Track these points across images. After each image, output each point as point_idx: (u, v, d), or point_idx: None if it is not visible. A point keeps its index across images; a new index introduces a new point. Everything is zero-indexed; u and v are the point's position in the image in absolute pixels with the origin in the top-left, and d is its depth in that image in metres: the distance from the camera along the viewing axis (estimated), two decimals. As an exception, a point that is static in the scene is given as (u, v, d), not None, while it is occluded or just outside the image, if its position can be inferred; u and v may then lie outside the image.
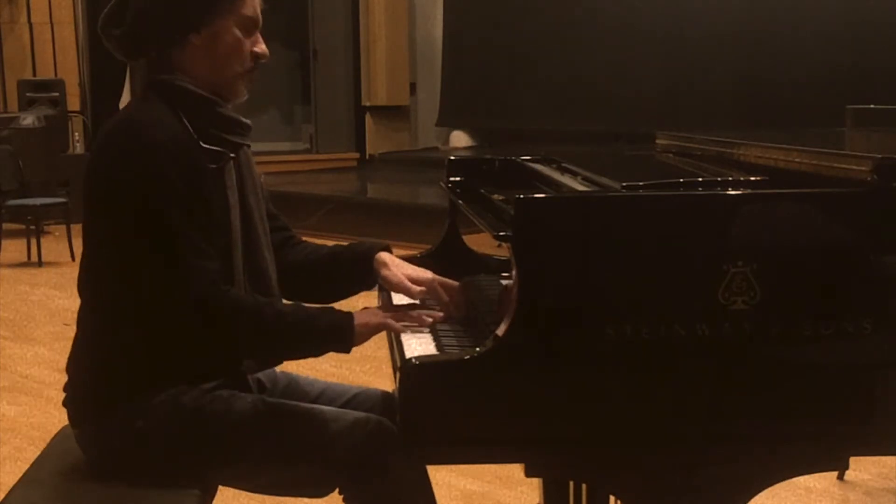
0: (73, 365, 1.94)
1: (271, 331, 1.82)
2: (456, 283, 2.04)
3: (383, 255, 2.08)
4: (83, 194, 1.89)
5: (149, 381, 1.85)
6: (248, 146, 2.00)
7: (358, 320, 1.85)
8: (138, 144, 1.80)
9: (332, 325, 1.85)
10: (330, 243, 2.19)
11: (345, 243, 2.17)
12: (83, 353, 1.93)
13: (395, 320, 1.90)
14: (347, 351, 1.85)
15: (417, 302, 2.02)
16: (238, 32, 1.89)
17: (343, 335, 1.84)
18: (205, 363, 1.89)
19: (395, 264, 2.07)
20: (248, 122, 1.98)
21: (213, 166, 1.87)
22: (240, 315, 1.81)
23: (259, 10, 1.93)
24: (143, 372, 1.85)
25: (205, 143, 1.86)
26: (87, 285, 1.93)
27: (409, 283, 2.02)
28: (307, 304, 1.92)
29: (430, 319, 1.92)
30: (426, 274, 2.04)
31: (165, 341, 1.84)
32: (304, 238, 2.20)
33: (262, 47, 1.93)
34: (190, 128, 1.85)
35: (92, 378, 1.90)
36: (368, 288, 2.12)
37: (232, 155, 1.93)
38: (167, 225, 1.77)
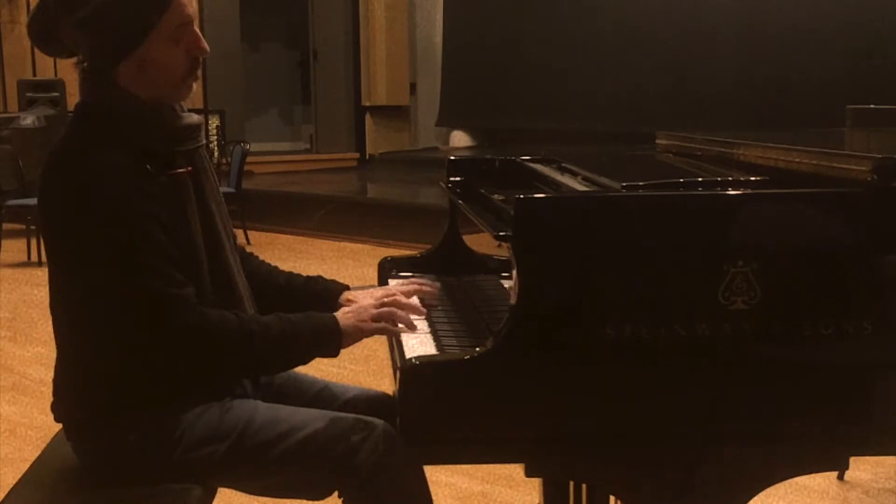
0: (57, 384, 1.92)
1: (259, 348, 1.80)
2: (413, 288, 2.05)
3: (347, 295, 2.08)
4: (40, 223, 1.84)
5: (138, 395, 1.83)
6: (204, 145, 1.94)
7: (344, 322, 1.84)
8: (86, 183, 1.73)
9: (319, 330, 1.83)
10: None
11: (302, 275, 2.16)
12: (64, 373, 1.90)
13: (384, 318, 1.88)
14: (335, 355, 1.85)
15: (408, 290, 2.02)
16: (168, 47, 1.80)
17: (331, 339, 1.83)
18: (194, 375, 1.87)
19: (358, 298, 2.05)
20: (197, 121, 1.92)
21: (167, 182, 1.81)
22: (227, 337, 1.77)
23: (189, 9, 1.81)
24: (131, 386, 1.83)
25: (154, 163, 1.79)
26: (59, 306, 1.88)
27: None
28: (286, 314, 1.85)
29: (420, 316, 1.93)
30: (387, 291, 2.03)
31: (147, 357, 1.80)
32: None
33: (199, 45, 1.83)
34: (137, 149, 1.78)
35: (77, 397, 1.88)
36: None
37: (188, 168, 1.86)
38: (135, 262, 1.72)
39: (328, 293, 2.09)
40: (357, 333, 1.86)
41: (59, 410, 1.92)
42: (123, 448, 1.83)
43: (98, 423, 1.85)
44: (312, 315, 1.86)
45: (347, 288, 2.12)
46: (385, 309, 1.91)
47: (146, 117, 1.82)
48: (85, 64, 1.84)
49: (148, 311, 1.73)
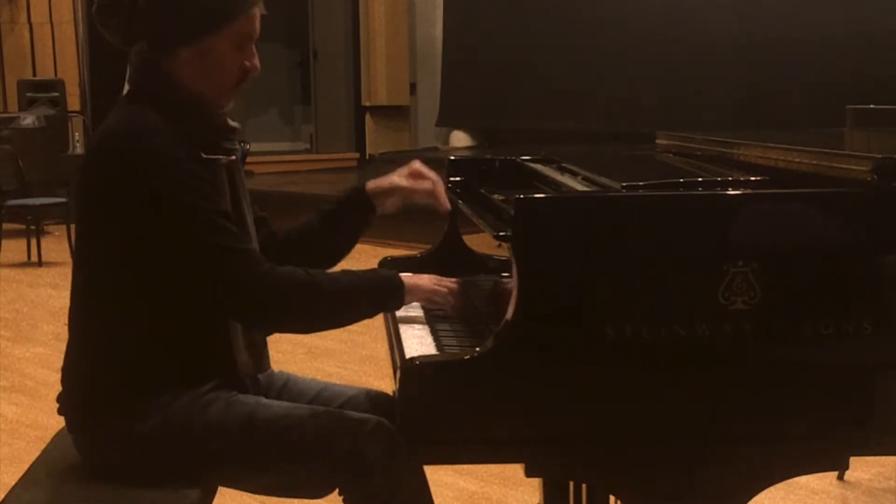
0: (67, 372, 1.93)
1: (329, 296, 1.84)
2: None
3: (370, 182, 2.15)
4: (81, 203, 1.86)
5: (144, 386, 1.85)
6: (238, 148, 1.97)
7: (406, 280, 1.93)
8: (146, 149, 1.77)
9: (385, 284, 1.92)
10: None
11: (315, 215, 2.18)
12: (77, 360, 1.91)
13: (439, 295, 2.00)
14: (400, 306, 1.96)
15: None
16: (230, 49, 1.85)
17: (394, 292, 1.91)
18: (201, 365, 1.88)
19: (379, 180, 2.16)
20: (236, 126, 1.97)
21: (207, 168, 1.84)
22: (298, 286, 1.81)
23: (257, 24, 1.88)
24: (138, 377, 1.84)
25: (195, 151, 1.83)
26: (84, 291, 1.91)
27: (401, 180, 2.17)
28: (351, 270, 1.93)
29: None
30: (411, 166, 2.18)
31: (162, 344, 1.83)
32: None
33: (254, 62, 1.89)
34: (183, 134, 1.82)
35: (87, 385, 1.89)
36: (370, 219, 2.18)
37: (231, 158, 1.91)
38: (199, 219, 1.76)
39: (356, 188, 2.15)
40: (419, 292, 1.97)
41: (64, 401, 1.93)
42: (125, 441, 1.84)
43: (100, 414, 1.86)
44: (377, 270, 1.97)
45: (362, 187, 2.16)
46: (442, 290, 1.99)
47: (195, 108, 1.86)
48: (145, 48, 1.86)
49: (223, 265, 1.78)
